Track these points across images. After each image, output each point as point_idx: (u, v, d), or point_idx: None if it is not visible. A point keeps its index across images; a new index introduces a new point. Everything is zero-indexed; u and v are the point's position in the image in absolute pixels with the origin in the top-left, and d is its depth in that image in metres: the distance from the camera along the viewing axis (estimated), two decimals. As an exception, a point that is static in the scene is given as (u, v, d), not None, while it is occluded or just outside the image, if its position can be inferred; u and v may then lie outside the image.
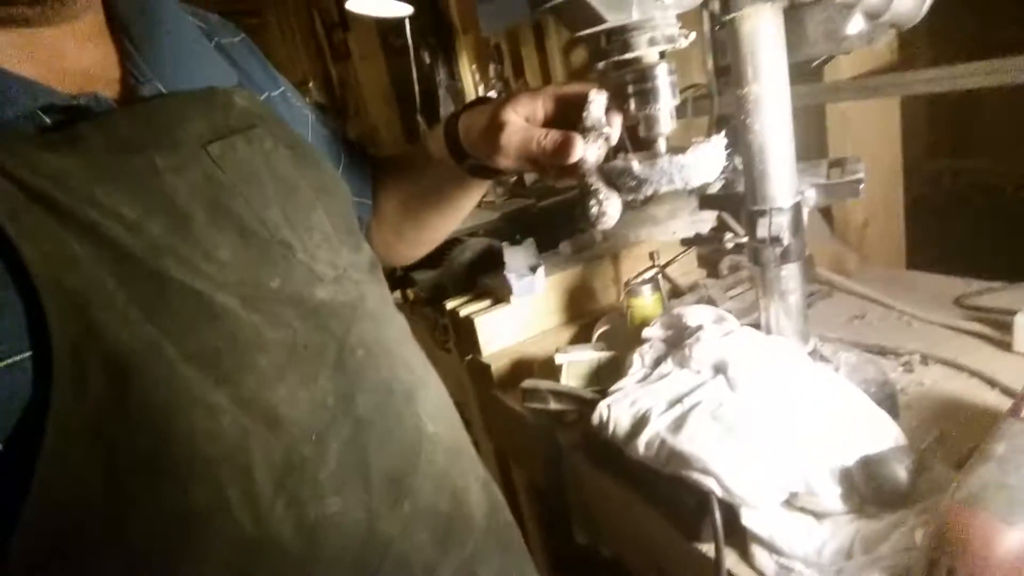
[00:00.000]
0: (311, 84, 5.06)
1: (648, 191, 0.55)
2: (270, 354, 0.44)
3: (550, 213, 1.39)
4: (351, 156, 0.74)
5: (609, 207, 0.55)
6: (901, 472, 0.57)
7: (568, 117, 0.58)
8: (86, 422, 0.37)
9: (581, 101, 0.56)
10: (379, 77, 4.02)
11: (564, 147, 0.54)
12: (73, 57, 0.45)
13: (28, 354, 0.36)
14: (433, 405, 0.58)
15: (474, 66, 2.59)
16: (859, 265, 1.13)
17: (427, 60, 2.93)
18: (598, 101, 0.55)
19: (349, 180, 0.62)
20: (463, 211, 0.77)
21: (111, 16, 0.49)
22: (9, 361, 0.35)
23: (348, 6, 2.63)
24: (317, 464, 0.45)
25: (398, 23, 2.87)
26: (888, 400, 0.73)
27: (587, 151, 0.55)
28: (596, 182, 0.55)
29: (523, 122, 0.59)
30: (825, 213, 1.20)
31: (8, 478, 0.36)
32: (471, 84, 2.63)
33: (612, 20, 0.50)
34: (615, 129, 0.57)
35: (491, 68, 2.35)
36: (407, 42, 2.89)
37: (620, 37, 0.53)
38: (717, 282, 1.10)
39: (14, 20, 0.41)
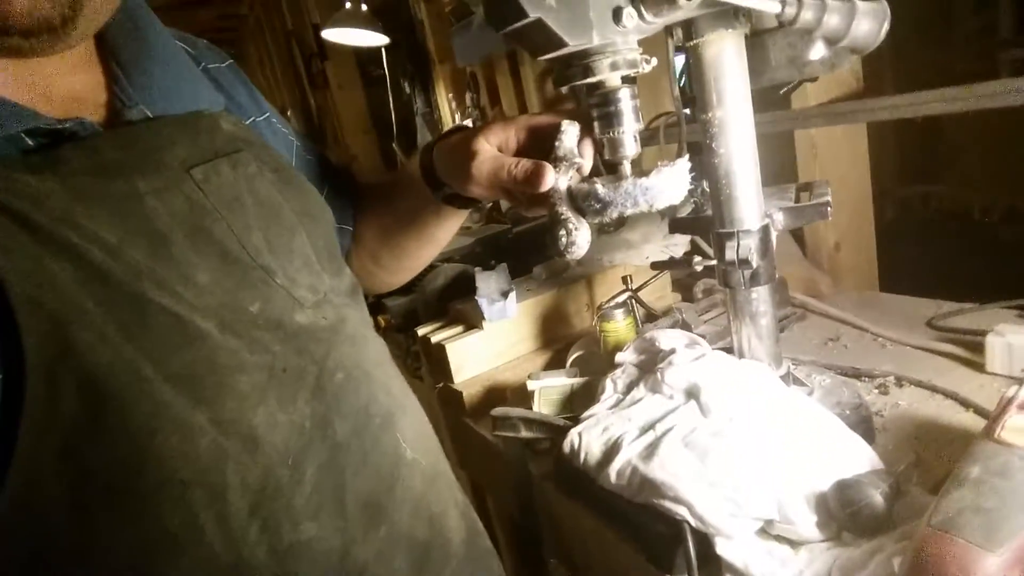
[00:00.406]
0: (290, 113, 5.08)
1: (613, 214, 0.55)
2: (250, 376, 0.44)
3: (525, 238, 1.39)
4: (335, 182, 0.74)
5: (579, 237, 0.55)
6: (877, 497, 0.55)
7: (541, 146, 0.58)
8: (57, 445, 0.36)
9: (554, 130, 0.56)
10: (357, 106, 4.04)
11: (535, 176, 0.54)
12: (61, 82, 0.46)
13: (10, 363, 0.36)
14: (412, 430, 0.57)
15: (450, 95, 2.61)
16: (832, 288, 1.14)
17: (406, 90, 2.96)
18: (570, 132, 0.56)
19: (331, 206, 0.62)
20: (441, 240, 0.77)
21: (100, 41, 0.49)
22: None
23: (325, 35, 2.65)
24: (293, 488, 0.45)
25: (376, 53, 2.90)
26: (863, 423, 0.72)
27: (558, 180, 0.55)
28: (566, 211, 0.55)
29: (495, 151, 0.59)
30: (797, 237, 1.21)
31: None
32: (448, 112, 2.65)
33: (573, 44, 0.50)
34: (587, 159, 0.57)
35: (467, 97, 2.37)
36: (384, 72, 2.92)
37: (582, 61, 0.53)
38: (691, 306, 1.10)
39: (5, 50, 0.41)
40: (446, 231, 0.75)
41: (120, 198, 0.42)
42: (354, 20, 2.51)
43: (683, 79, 1.42)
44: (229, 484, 0.42)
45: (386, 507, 0.51)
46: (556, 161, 0.55)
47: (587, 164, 0.57)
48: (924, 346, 0.88)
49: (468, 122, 2.27)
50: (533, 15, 0.48)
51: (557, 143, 0.55)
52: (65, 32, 0.41)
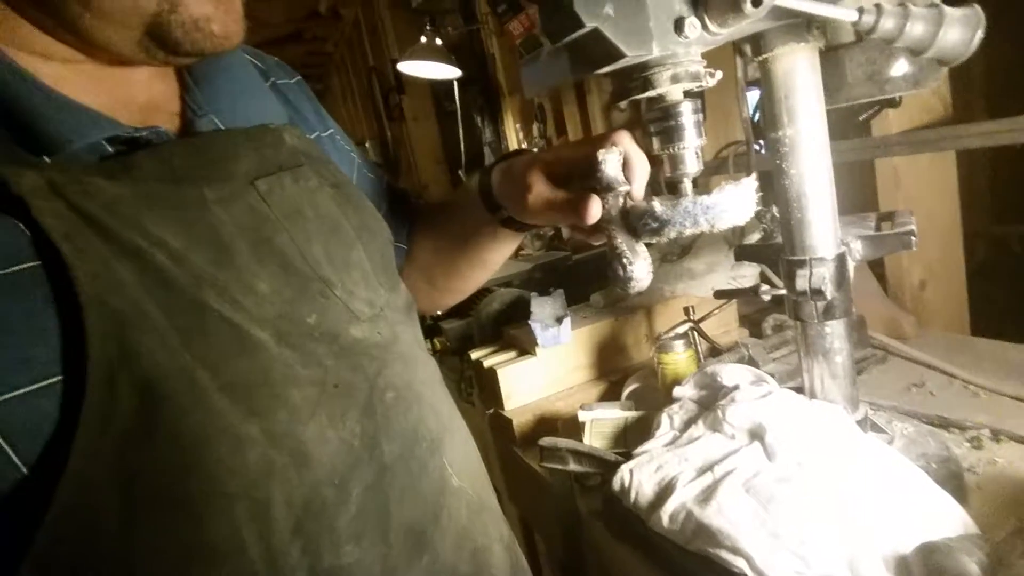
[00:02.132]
0: (368, 144, 5.28)
1: (671, 233, 0.52)
2: (302, 389, 0.44)
3: (584, 266, 1.36)
4: (392, 201, 0.75)
5: (635, 270, 0.52)
6: (972, 566, 0.48)
7: (593, 173, 0.56)
8: (111, 449, 0.36)
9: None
10: (430, 137, 4.16)
11: (581, 209, 0.53)
12: (138, 90, 0.47)
13: (59, 378, 0.36)
14: (459, 456, 0.56)
15: (518, 125, 2.64)
16: (916, 330, 1.05)
17: (477, 122, 3.01)
18: (609, 160, 0.53)
19: (387, 224, 0.62)
20: (494, 263, 0.76)
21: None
22: (42, 384, 0.36)
23: (401, 67, 2.74)
24: (337, 509, 0.44)
25: (449, 87, 2.98)
26: (953, 480, 0.65)
27: (608, 210, 0.53)
28: (621, 243, 0.53)
29: (546, 185, 0.58)
30: (878, 274, 1.13)
31: (27, 506, 0.35)
32: (515, 142, 2.68)
33: (632, 55, 0.48)
34: (635, 184, 0.54)
35: (534, 127, 2.38)
36: (456, 105, 2.99)
37: (641, 74, 0.51)
38: (759, 342, 1.03)
39: (118, 59, 0.44)
40: (500, 254, 0.74)
41: (187, 205, 0.43)
42: (429, 53, 2.59)
43: (756, 114, 1.38)
44: (274, 500, 0.41)
45: (430, 536, 0.49)
46: (602, 191, 0.53)
47: (635, 189, 0.54)
48: (1025, 397, 0.79)
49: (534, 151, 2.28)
50: (590, 25, 0.46)
51: (598, 173, 0.53)
52: (225, 48, 0.46)
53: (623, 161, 0.53)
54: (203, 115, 0.49)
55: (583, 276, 1.31)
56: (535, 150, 2.26)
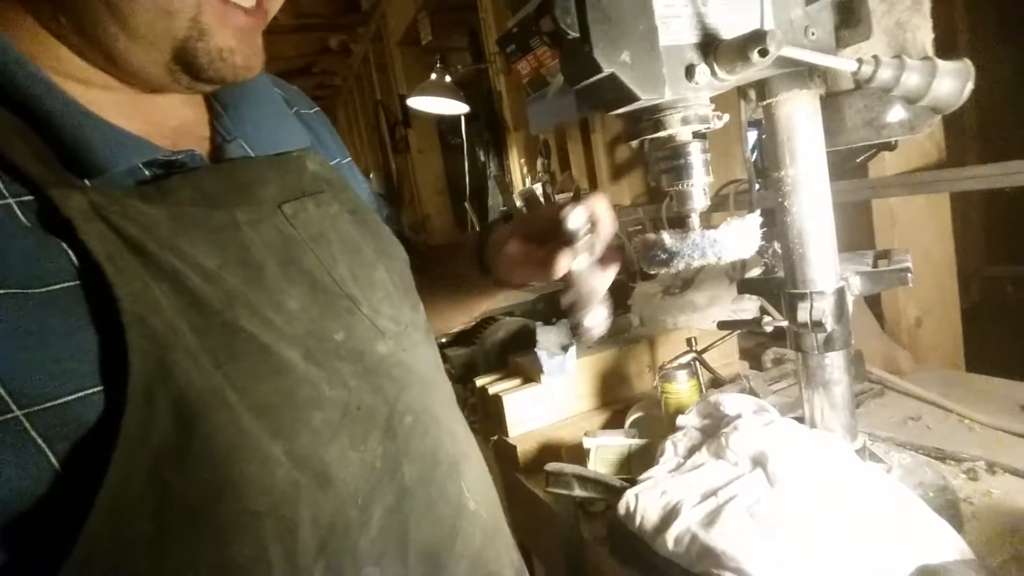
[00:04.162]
0: (372, 175, 5.36)
1: (679, 265, 0.54)
2: (325, 411, 0.44)
3: (588, 298, 1.38)
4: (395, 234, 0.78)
5: (593, 320, 0.55)
6: (967, 589, 0.50)
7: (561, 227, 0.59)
8: (147, 463, 0.37)
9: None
10: (434, 169, 4.23)
11: (550, 264, 0.56)
12: (169, 115, 0.49)
13: (99, 389, 0.37)
14: (475, 479, 0.56)
15: (523, 160, 2.69)
16: (913, 365, 1.07)
17: (481, 157, 3.07)
18: (572, 216, 0.55)
19: None
20: (478, 310, 0.81)
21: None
22: (82, 394, 0.37)
23: (411, 103, 2.82)
24: (360, 530, 0.45)
25: (455, 121, 3.05)
26: (949, 508, 0.66)
27: (575, 263, 0.55)
28: (581, 295, 0.55)
29: (521, 245, 0.63)
30: (875, 311, 1.16)
31: (66, 515, 0.36)
32: (519, 176, 2.73)
33: (645, 99, 0.52)
34: (601, 237, 0.57)
35: (539, 162, 2.44)
36: (462, 139, 3.06)
37: (653, 116, 0.54)
38: (760, 374, 1.05)
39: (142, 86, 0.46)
40: (487, 302, 0.78)
41: (220, 227, 0.44)
42: (438, 89, 2.66)
43: (755, 153, 1.43)
44: (300, 520, 0.42)
45: (445, 560, 0.50)
46: (570, 246, 0.56)
47: (600, 242, 0.57)
48: (1019, 431, 0.81)
49: (538, 185, 2.33)
50: (607, 70, 0.49)
51: (564, 227, 0.56)
52: (245, 79, 0.48)
53: (591, 217, 0.57)
54: (232, 140, 0.52)
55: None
56: (539, 186, 2.31)
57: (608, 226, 0.58)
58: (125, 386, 0.37)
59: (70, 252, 0.38)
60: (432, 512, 0.50)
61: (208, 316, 0.41)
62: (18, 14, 0.42)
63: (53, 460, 0.36)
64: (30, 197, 0.38)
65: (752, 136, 1.39)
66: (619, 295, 1.35)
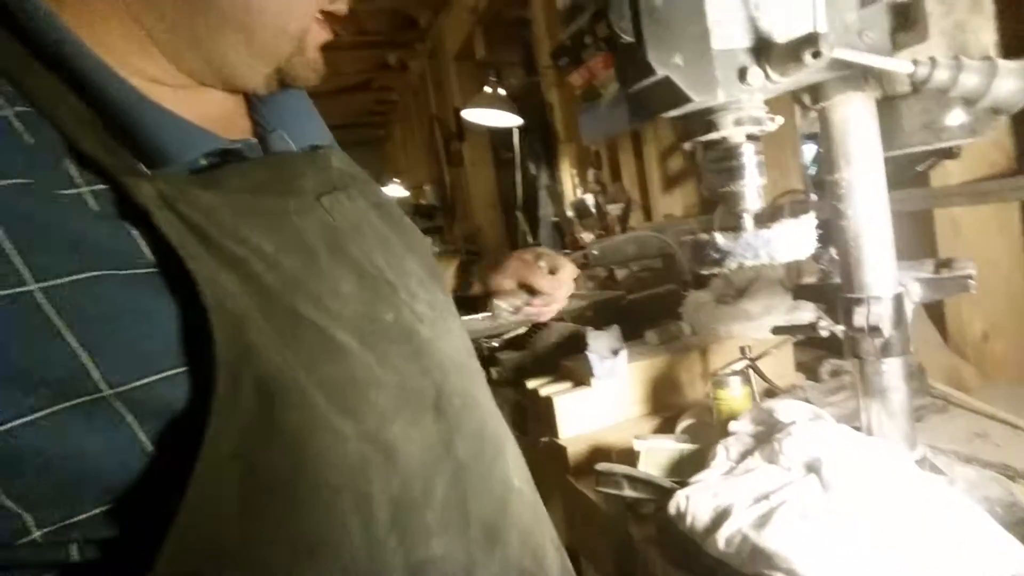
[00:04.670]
0: (426, 187, 5.47)
1: (732, 264, 0.55)
2: (383, 392, 0.46)
3: (639, 305, 1.38)
4: None
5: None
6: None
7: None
8: (234, 442, 0.38)
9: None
10: (486, 182, 4.30)
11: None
12: (216, 106, 0.51)
13: (183, 369, 0.38)
14: (516, 459, 0.59)
15: (574, 170, 2.71)
16: (979, 381, 1.03)
17: (532, 168, 3.11)
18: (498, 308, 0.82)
19: None
20: None
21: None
22: (167, 374, 0.38)
23: (465, 115, 2.88)
24: (425, 503, 0.46)
25: (507, 134, 3.10)
26: (1019, 526, 0.64)
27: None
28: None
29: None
30: (939, 324, 1.12)
31: (154, 488, 0.37)
32: (570, 186, 2.75)
33: (699, 101, 0.53)
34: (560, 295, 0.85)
35: (590, 172, 2.45)
36: (514, 151, 3.10)
37: (706, 118, 0.56)
38: (816, 386, 1.03)
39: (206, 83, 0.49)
40: None
41: (273, 214, 0.45)
42: (492, 102, 2.72)
43: (813, 165, 1.41)
44: (373, 493, 0.43)
45: (501, 531, 0.52)
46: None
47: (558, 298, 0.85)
48: (1097, 450, 0.77)
49: (589, 196, 2.34)
50: (661, 73, 0.51)
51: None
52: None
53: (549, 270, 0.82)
54: (272, 131, 0.53)
55: (637, 315, 1.34)
56: (590, 196, 2.31)
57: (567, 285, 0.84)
58: (209, 367, 0.38)
59: (142, 239, 0.38)
60: (486, 487, 0.52)
61: (272, 301, 0.42)
62: (106, 6, 0.43)
63: (143, 438, 0.37)
64: (102, 186, 0.38)
65: (808, 149, 1.37)
66: (671, 304, 1.34)
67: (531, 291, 0.83)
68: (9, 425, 0.34)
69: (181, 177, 0.42)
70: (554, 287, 0.83)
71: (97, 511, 0.37)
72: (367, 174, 0.61)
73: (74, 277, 0.35)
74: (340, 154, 0.58)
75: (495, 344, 1.40)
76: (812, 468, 0.65)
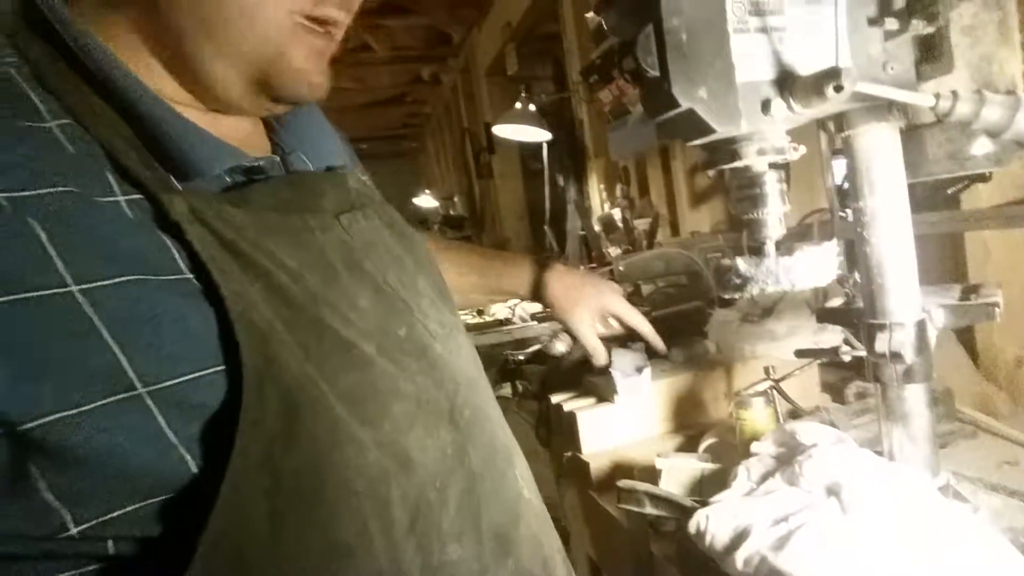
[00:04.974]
0: (456, 198, 5.54)
1: (753, 290, 0.56)
2: (402, 402, 0.48)
3: (663, 322, 1.39)
4: None
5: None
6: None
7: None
8: (260, 451, 0.39)
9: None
10: (515, 194, 4.34)
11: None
12: (233, 131, 0.51)
13: (218, 369, 0.40)
14: (524, 470, 0.61)
15: (602, 185, 2.73)
16: (1012, 408, 1.02)
17: (560, 182, 3.14)
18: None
19: None
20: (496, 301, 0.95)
21: None
22: (199, 374, 0.39)
23: (495, 131, 2.93)
24: (440, 509, 0.48)
25: (536, 148, 3.14)
26: (1045, 557, 0.63)
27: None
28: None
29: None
30: (970, 349, 1.11)
31: (186, 491, 0.39)
32: (598, 201, 2.77)
33: (722, 131, 0.55)
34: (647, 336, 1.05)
35: (618, 187, 2.47)
36: (543, 164, 3.14)
37: (730, 147, 0.57)
38: (841, 408, 1.03)
39: (244, 110, 0.51)
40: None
41: (297, 231, 0.47)
42: (522, 118, 2.76)
43: (844, 182, 1.40)
44: (392, 499, 0.44)
45: (513, 540, 0.53)
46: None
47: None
48: None
49: (616, 211, 2.36)
50: (685, 105, 0.53)
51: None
52: (317, 98, 0.52)
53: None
54: (291, 151, 0.54)
55: (662, 331, 1.34)
56: (618, 211, 2.32)
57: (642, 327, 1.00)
58: (238, 376, 0.39)
59: (176, 250, 0.40)
60: (498, 496, 0.54)
61: (297, 312, 0.43)
62: (122, 29, 0.44)
63: (173, 438, 0.38)
64: (138, 196, 0.40)
65: (839, 164, 1.36)
66: (696, 321, 1.35)
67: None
68: (51, 418, 0.35)
69: (211, 194, 0.44)
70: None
71: (130, 509, 0.38)
72: (380, 194, 0.63)
73: (111, 280, 0.37)
74: (356, 176, 0.60)
75: (520, 357, 1.42)
76: (832, 491, 0.66)
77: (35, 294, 0.35)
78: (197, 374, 0.39)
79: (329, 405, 0.43)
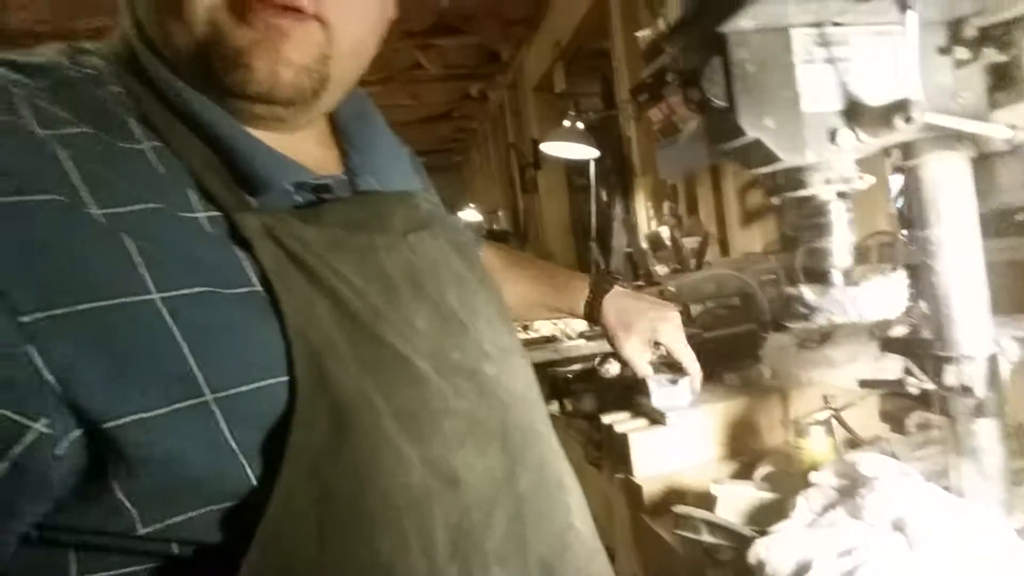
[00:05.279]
0: (500, 212, 5.59)
1: (820, 320, 0.56)
2: (454, 421, 0.48)
3: (716, 344, 1.37)
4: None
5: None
6: None
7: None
8: (309, 465, 0.40)
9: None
10: (560, 209, 4.36)
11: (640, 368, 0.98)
12: (308, 153, 0.52)
13: (281, 379, 0.41)
14: (576, 497, 0.59)
15: (649, 202, 2.72)
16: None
17: (604, 197, 3.13)
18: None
19: None
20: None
21: (335, 125, 0.59)
22: (263, 383, 0.41)
23: (543, 148, 2.95)
24: (485, 532, 0.47)
25: (583, 164, 3.14)
26: None
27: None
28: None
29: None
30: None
31: (241, 497, 0.40)
32: (645, 218, 2.75)
33: (788, 161, 0.55)
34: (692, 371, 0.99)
35: (666, 205, 2.45)
36: (589, 181, 3.14)
37: (795, 176, 0.57)
38: (903, 439, 1.00)
39: (268, 119, 0.49)
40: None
41: (363, 249, 0.48)
42: (570, 136, 2.77)
43: (899, 200, 1.37)
44: (435, 517, 0.44)
45: (558, 571, 0.52)
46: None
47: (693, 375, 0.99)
48: None
49: (664, 228, 2.34)
50: (752, 135, 0.53)
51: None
52: (314, 102, 0.49)
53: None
54: (361, 175, 0.55)
55: (713, 354, 1.33)
56: (666, 229, 2.31)
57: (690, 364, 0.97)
58: (295, 392, 0.40)
59: (248, 264, 0.42)
60: (545, 523, 0.53)
61: (359, 327, 0.44)
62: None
63: (235, 447, 0.39)
64: (217, 213, 0.43)
65: (895, 180, 1.33)
66: (749, 344, 1.33)
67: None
68: (129, 419, 0.36)
69: (284, 211, 0.46)
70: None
71: (193, 515, 0.39)
72: (449, 218, 0.65)
73: (189, 291, 0.39)
74: (428, 197, 0.62)
75: (569, 375, 1.43)
76: (898, 526, 0.64)
77: (124, 300, 0.37)
78: (260, 383, 0.40)
79: (379, 422, 0.43)
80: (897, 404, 1.19)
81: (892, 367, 1.06)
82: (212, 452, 0.39)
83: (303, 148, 0.52)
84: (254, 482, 0.40)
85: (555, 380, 1.37)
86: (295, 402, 0.40)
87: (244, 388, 0.40)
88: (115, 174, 0.40)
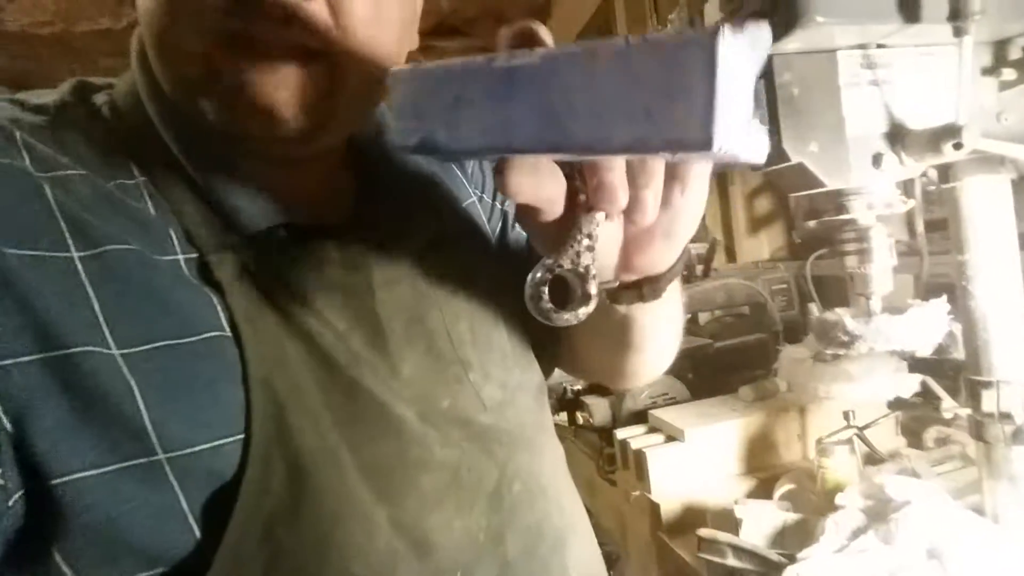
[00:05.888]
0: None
1: (862, 348, 0.55)
2: (434, 475, 0.44)
3: (727, 354, 1.36)
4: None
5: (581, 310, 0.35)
6: None
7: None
8: (261, 524, 0.38)
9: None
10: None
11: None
12: (307, 188, 0.48)
13: (236, 438, 0.38)
14: (580, 556, 0.54)
15: (654, 208, 2.70)
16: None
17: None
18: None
19: None
20: (626, 341, 0.59)
21: (352, 152, 0.53)
22: (217, 443, 0.38)
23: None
24: None
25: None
26: None
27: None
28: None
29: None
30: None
31: (189, 561, 0.37)
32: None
33: (831, 185, 0.53)
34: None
35: (671, 211, 2.43)
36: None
37: (837, 199, 0.56)
38: (921, 454, 0.99)
39: (266, 153, 0.45)
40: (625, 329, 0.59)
41: (355, 291, 0.45)
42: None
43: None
44: None
45: None
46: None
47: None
48: None
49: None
50: (796, 159, 0.52)
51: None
52: (316, 138, 0.44)
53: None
54: (368, 205, 0.50)
55: (725, 365, 1.32)
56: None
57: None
58: (249, 447, 0.38)
59: (220, 307, 0.40)
60: None
61: (335, 374, 0.42)
62: None
63: (186, 507, 0.37)
64: (195, 255, 0.41)
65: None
66: (760, 355, 1.32)
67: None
68: (74, 476, 0.34)
69: (265, 247, 0.43)
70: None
71: None
72: (486, 237, 0.59)
73: (151, 346, 0.37)
74: (464, 213, 0.57)
75: (578, 387, 1.41)
76: (934, 554, 0.63)
77: (82, 350, 0.35)
78: (218, 442, 0.38)
79: (344, 479, 0.40)
80: (908, 413, 1.18)
81: (910, 382, 1.06)
82: (162, 514, 0.36)
83: (303, 183, 0.48)
84: (201, 542, 0.37)
85: (564, 392, 1.36)
86: (247, 461, 0.38)
87: (199, 448, 0.37)
88: (99, 217, 0.38)
